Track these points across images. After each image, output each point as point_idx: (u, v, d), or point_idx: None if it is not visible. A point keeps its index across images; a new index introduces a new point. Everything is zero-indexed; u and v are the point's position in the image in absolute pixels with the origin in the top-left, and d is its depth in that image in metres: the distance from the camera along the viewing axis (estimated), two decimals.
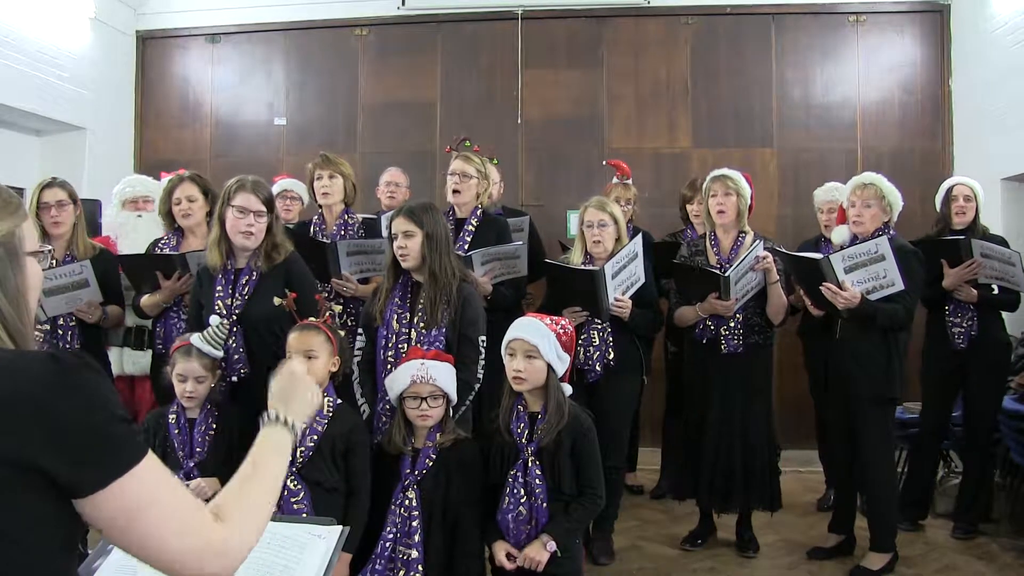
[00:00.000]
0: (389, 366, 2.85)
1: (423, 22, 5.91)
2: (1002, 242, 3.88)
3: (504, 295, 3.53)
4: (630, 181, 4.43)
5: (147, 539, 1.02)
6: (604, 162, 4.96)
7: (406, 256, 2.87)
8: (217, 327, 2.84)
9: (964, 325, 3.80)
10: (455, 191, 3.61)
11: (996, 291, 3.83)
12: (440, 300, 2.83)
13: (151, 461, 1.03)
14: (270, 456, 1.24)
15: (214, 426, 2.77)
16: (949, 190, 3.95)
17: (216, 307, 2.93)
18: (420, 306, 2.86)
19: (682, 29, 5.77)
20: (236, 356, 2.90)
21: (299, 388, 1.39)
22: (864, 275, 3.31)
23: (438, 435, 2.62)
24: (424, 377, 2.58)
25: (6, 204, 1.08)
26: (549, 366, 2.52)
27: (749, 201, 3.66)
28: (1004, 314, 3.98)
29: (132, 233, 3.83)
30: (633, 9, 5.77)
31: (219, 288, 2.96)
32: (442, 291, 2.84)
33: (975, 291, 3.75)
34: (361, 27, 5.97)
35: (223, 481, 1.36)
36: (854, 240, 3.48)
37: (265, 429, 1.28)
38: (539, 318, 2.60)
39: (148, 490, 1.01)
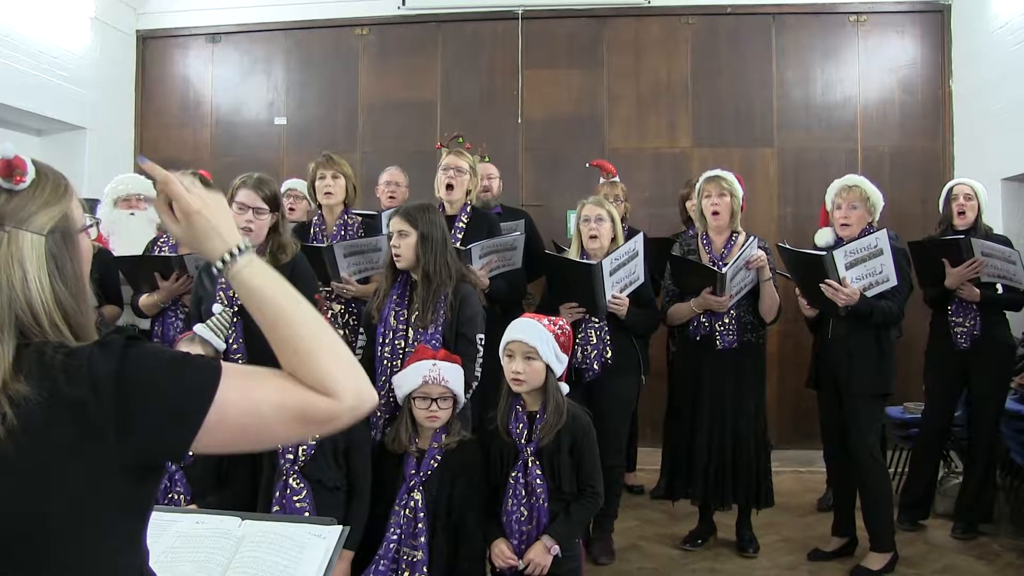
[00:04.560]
0: (386, 362, 2.87)
1: (423, 22, 5.91)
2: (1005, 242, 3.87)
3: (500, 289, 3.54)
4: (617, 179, 4.44)
5: (269, 433, 1.02)
6: (587, 164, 4.96)
7: (400, 256, 2.91)
8: (220, 315, 2.83)
9: (967, 325, 3.80)
10: (448, 186, 3.62)
11: (1000, 290, 3.82)
12: (433, 300, 2.86)
13: (229, 375, 1.00)
14: (275, 292, 1.07)
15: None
16: (950, 190, 3.97)
17: (218, 297, 2.93)
18: (416, 305, 2.89)
19: (682, 29, 5.77)
20: (235, 346, 2.90)
21: (214, 212, 1.11)
22: (863, 271, 3.33)
23: (444, 436, 2.62)
24: (436, 378, 2.58)
25: (56, 187, 1.05)
26: (547, 366, 2.53)
27: (741, 202, 3.69)
28: (1007, 315, 3.98)
29: (124, 232, 3.77)
30: (633, 9, 5.77)
31: (222, 279, 2.96)
32: (436, 291, 2.87)
33: (977, 290, 3.75)
34: (361, 27, 5.96)
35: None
36: (839, 242, 3.50)
37: (237, 278, 1.09)
38: (537, 319, 2.60)
39: (241, 399, 1.00)
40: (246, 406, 1.00)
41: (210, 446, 1.00)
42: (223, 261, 1.09)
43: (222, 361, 1.03)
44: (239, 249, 1.09)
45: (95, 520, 0.97)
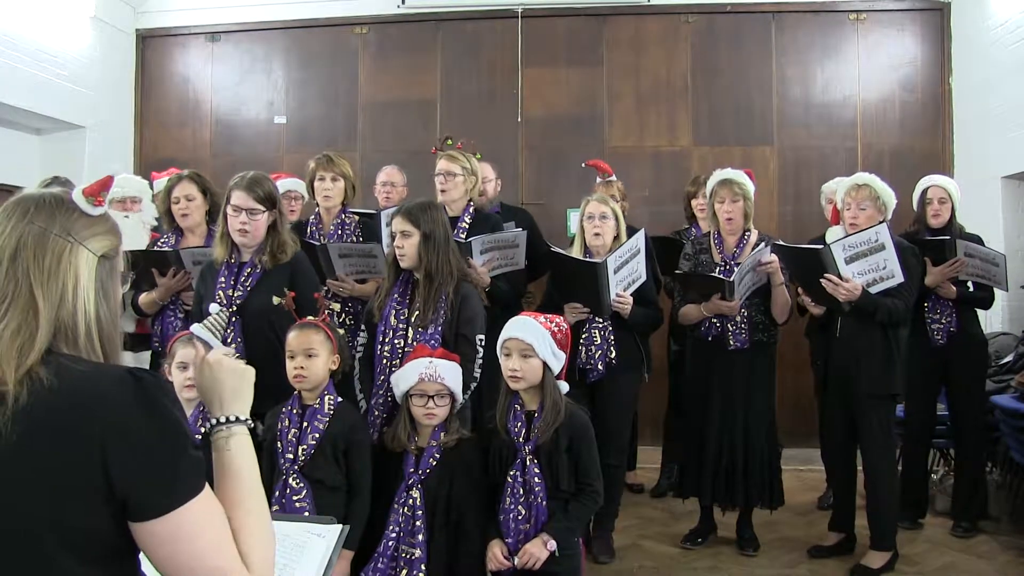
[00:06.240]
0: (385, 361, 2.87)
1: (423, 20, 5.91)
2: (978, 240, 3.93)
3: (502, 289, 3.52)
4: (613, 178, 4.42)
5: (184, 567, 1.05)
6: (583, 164, 4.94)
7: (403, 256, 2.91)
8: (217, 315, 2.83)
9: (943, 322, 3.85)
10: (441, 191, 3.61)
11: (971, 288, 3.90)
12: (434, 299, 2.86)
13: (207, 494, 1.06)
14: (240, 471, 1.18)
15: (202, 429, 2.70)
16: (924, 192, 3.95)
17: (217, 297, 2.93)
18: (417, 304, 2.88)
19: (682, 27, 5.77)
20: (233, 346, 2.89)
21: (222, 378, 1.25)
22: (864, 266, 3.30)
23: (442, 434, 2.62)
24: (432, 375, 2.58)
25: (113, 228, 1.17)
26: (545, 364, 2.53)
27: (753, 200, 3.67)
28: (1007, 314, 3.99)
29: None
30: (633, 7, 5.77)
31: (222, 279, 2.96)
32: (438, 290, 2.87)
33: (955, 288, 3.80)
34: (361, 25, 5.96)
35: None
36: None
37: (216, 442, 1.20)
38: (533, 316, 2.61)
39: (200, 522, 1.04)
40: (201, 522, 1.05)
41: (153, 541, 1.03)
42: (221, 421, 1.21)
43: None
44: (236, 418, 1.21)
45: (59, 549, 0.99)
